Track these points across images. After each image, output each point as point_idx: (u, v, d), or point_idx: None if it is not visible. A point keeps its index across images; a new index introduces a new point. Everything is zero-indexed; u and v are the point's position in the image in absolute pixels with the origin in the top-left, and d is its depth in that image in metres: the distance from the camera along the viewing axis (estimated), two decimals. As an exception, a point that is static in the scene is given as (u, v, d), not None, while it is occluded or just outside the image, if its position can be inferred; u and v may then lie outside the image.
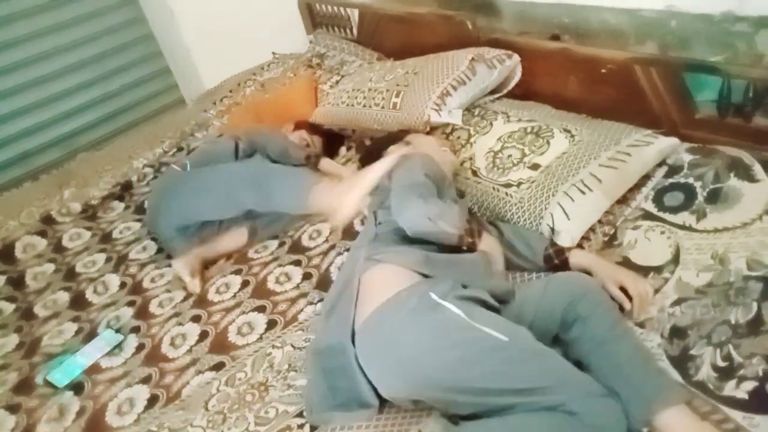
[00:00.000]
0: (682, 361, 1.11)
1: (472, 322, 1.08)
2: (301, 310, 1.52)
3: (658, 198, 1.46)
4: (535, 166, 1.55)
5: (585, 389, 1.02)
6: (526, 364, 1.04)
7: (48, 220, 2.10)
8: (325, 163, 2.02)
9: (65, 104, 2.80)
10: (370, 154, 1.67)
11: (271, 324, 1.50)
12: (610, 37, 1.92)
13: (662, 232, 1.36)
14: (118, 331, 1.58)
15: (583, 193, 1.42)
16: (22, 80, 2.63)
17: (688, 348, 1.12)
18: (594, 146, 1.52)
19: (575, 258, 1.35)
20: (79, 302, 1.75)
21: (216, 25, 2.88)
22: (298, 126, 2.17)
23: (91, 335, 1.59)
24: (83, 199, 2.20)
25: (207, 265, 1.79)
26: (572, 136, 1.58)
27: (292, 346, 1.41)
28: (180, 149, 2.45)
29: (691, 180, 1.45)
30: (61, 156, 2.75)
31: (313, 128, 2.18)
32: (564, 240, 1.39)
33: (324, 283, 1.58)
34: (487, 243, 1.35)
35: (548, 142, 1.59)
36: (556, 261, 1.36)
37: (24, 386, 1.48)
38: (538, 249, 1.39)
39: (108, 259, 1.92)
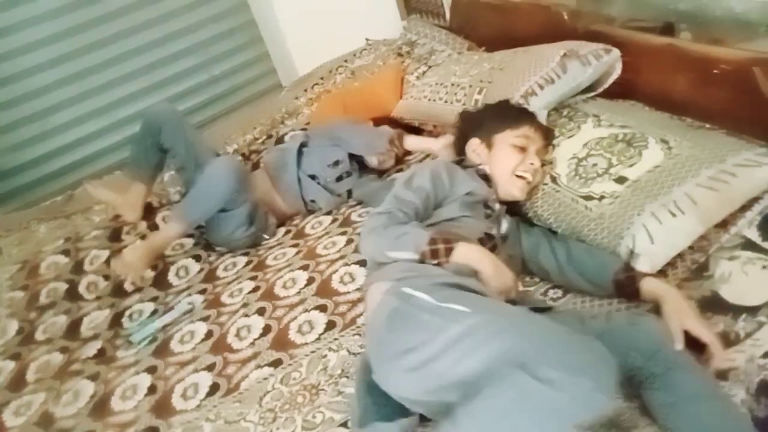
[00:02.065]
0: (768, 425, 0.97)
1: (440, 303, 1.06)
2: (360, 314, 1.50)
3: (765, 225, 1.27)
4: (621, 180, 1.40)
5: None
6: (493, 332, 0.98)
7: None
8: (410, 140, 2.01)
9: (170, 90, 2.97)
10: (466, 121, 1.65)
11: (330, 325, 1.50)
12: (734, 28, 1.69)
13: (764, 267, 1.19)
14: (190, 303, 1.72)
15: (674, 215, 1.26)
16: (131, 68, 2.83)
17: (777, 410, 0.97)
18: (694, 162, 1.34)
19: (648, 285, 1.21)
20: (160, 282, 1.88)
21: (313, 9, 2.91)
22: (377, 122, 2.13)
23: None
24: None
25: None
26: (669, 148, 1.41)
27: (348, 350, 1.40)
28: (270, 137, 2.52)
29: (807, 206, 1.24)
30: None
31: (392, 123, 2.14)
32: (643, 264, 1.24)
33: (386, 288, 1.55)
34: (466, 256, 1.24)
35: (640, 153, 1.43)
36: (628, 289, 1.23)
37: (105, 357, 1.61)
38: (609, 271, 1.27)
39: (195, 245, 2.03)
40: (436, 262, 1.24)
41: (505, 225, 1.46)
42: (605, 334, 1.03)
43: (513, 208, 1.55)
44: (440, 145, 1.90)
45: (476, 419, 0.92)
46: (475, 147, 1.55)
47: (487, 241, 1.36)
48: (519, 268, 1.45)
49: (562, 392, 0.85)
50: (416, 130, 2.17)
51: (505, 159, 1.49)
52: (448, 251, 1.24)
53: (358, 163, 2.07)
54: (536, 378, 0.86)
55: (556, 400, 0.85)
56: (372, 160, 2.04)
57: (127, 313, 1.78)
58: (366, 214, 1.87)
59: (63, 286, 1.91)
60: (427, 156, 2.02)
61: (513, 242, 1.48)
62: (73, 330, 1.74)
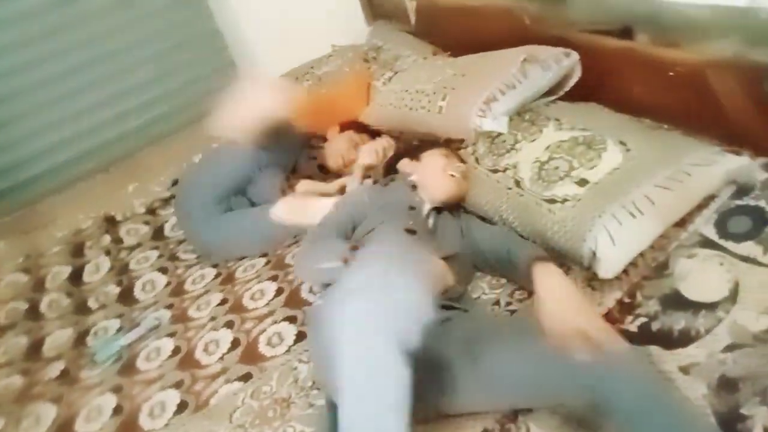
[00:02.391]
0: (730, 421, 0.98)
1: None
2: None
3: (721, 222, 1.30)
4: (582, 182, 1.42)
5: None
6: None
7: (110, 219, 2.21)
8: (303, 185, 1.97)
9: (133, 100, 2.91)
10: (388, 166, 1.76)
11: (300, 336, 1.49)
12: (688, 31, 1.73)
13: (721, 264, 1.21)
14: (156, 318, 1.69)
15: (634, 216, 1.29)
16: (90, 78, 2.74)
17: (738, 405, 0.99)
18: (651, 163, 1.37)
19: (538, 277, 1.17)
20: (126, 298, 1.84)
21: (278, 16, 2.89)
22: (344, 127, 2.13)
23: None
24: (145, 195, 2.30)
25: None
26: (628, 150, 1.43)
27: (318, 361, 1.40)
28: (236, 145, 2.49)
29: (762, 203, 1.28)
30: (129, 148, 2.88)
31: (360, 129, 2.13)
32: (605, 270, 1.27)
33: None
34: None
35: (600, 155, 1.46)
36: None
37: (69, 377, 1.57)
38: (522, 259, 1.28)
39: (160, 257, 1.99)
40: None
41: (431, 221, 1.52)
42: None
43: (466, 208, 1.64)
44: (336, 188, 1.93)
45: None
46: (406, 164, 1.70)
47: (412, 235, 1.40)
48: (466, 267, 1.47)
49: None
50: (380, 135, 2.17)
51: (437, 162, 1.64)
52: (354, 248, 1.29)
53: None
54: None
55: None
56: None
57: (92, 330, 1.74)
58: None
59: (23, 306, 1.86)
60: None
61: (453, 240, 1.49)
62: (34, 351, 1.70)
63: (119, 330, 1.70)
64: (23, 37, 2.56)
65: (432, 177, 1.61)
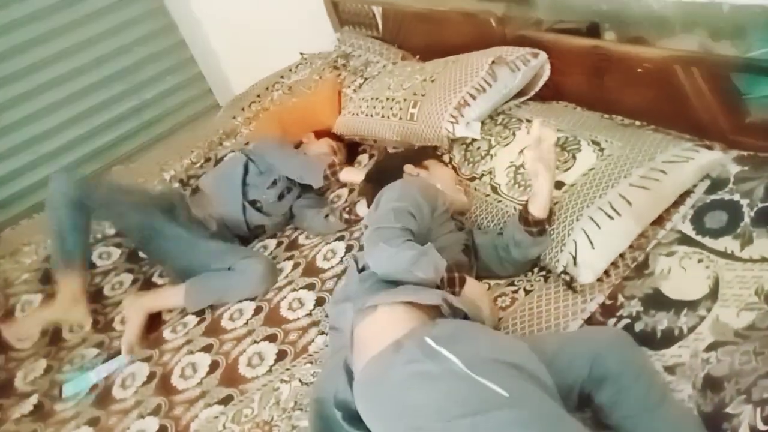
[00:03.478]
0: (716, 420, 0.98)
1: (471, 372, 0.97)
2: (312, 340, 1.46)
3: (697, 218, 1.30)
4: (558, 185, 1.41)
5: None
6: (531, 425, 0.93)
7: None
8: (346, 173, 1.94)
9: (101, 117, 2.84)
10: (381, 172, 1.59)
11: (281, 355, 1.45)
12: (653, 26, 1.74)
13: (700, 260, 1.21)
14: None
15: (611, 218, 1.28)
16: (56, 97, 2.66)
17: (723, 404, 0.98)
18: (625, 162, 1.37)
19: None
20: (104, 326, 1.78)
21: (244, 26, 2.85)
22: (319, 134, 2.10)
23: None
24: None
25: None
26: (601, 149, 1.43)
27: (300, 381, 1.36)
28: (208, 160, 2.44)
29: (737, 197, 1.28)
30: (99, 168, 2.81)
31: (335, 137, 2.11)
32: (585, 277, 1.26)
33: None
34: (472, 291, 1.24)
35: (574, 156, 1.45)
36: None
37: (42, 412, 1.52)
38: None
39: (134, 281, 1.94)
40: (450, 290, 1.22)
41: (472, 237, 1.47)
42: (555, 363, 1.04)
43: None
44: None
45: None
46: (411, 171, 1.55)
47: (468, 253, 1.38)
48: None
49: None
50: (355, 145, 2.15)
51: (448, 172, 1.59)
52: (462, 281, 1.24)
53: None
54: None
55: None
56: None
57: (66, 359, 1.68)
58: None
59: (-8, 338, 1.79)
60: None
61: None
62: (6, 386, 1.63)
63: (82, 368, 1.64)
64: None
65: (451, 190, 1.53)
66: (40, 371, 1.66)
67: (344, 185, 2.06)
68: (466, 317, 1.16)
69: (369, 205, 1.54)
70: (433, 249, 1.24)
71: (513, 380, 0.97)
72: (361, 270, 1.31)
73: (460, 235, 1.42)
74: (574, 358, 1.05)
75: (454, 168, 1.69)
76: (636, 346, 1.09)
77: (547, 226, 1.31)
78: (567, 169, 1.42)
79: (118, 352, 1.64)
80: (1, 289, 1.88)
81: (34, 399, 1.56)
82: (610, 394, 1.01)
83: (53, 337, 1.78)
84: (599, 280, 1.28)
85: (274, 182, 1.99)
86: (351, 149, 2.17)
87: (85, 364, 1.64)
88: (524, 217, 1.31)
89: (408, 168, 1.56)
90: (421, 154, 1.66)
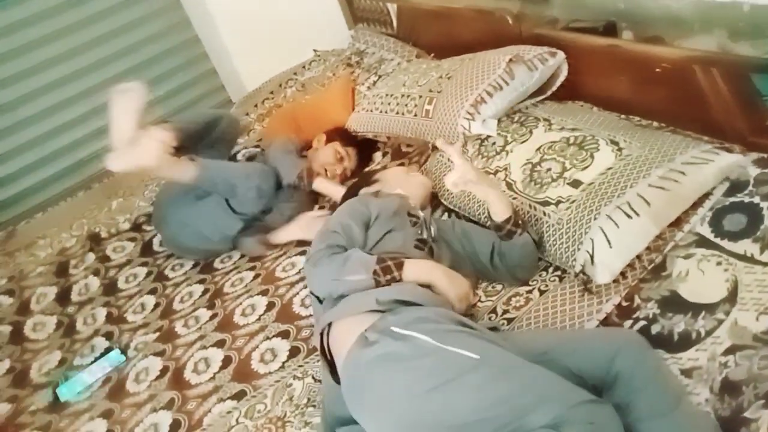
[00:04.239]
0: (734, 424, 0.97)
1: (441, 344, 1.02)
2: (325, 337, 1.46)
3: (716, 220, 1.29)
4: (576, 183, 1.40)
5: (574, 399, 0.93)
6: (500, 381, 0.97)
7: (95, 237, 2.16)
8: (319, 183, 1.92)
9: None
10: (344, 199, 1.67)
11: (293, 351, 1.45)
12: (671, 25, 1.72)
13: (718, 263, 1.20)
14: (123, 352, 1.62)
15: (630, 217, 1.27)
16: (70, 93, 2.69)
17: (741, 409, 0.98)
18: (644, 162, 1.35)
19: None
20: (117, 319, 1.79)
21: (257, 22, 2.85)
22: (330, 138, 2.09)
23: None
24: (129, 211, 2.25)
25: None
26: (620, 149, 1.42)
27: (313, 377, 1.36)
28: (221, 156, 2.45)
29: (756, 199, 1.27)
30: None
31: (347, 138, 2.10)
32: (602, 277, 1.25)
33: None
34: (417, 270, 1.26)
35: (592, 156, 1.44)
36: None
37: (55, 406, 1.53)
38: None
39: (148, 274, 1.95)
40: (389, 278, 1.25)
41: (433, 229, 1.47)
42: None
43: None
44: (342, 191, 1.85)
45: None
46: (366, 191, 1.64)
47: (423, 246, 1.39)
48: (469, 270, 1.44)
49: None
50: (371, 143, 2.14)
51: (396, 170, 1.74)
52: (399, 266, 1.26)
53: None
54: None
55: None
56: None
57: (79, 351, 1.69)
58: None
59: (7, 329, 1.80)
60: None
61: (451, 244, 1.48)
62: (22, 376, 1.64)
63: (109, 350, 1.65)
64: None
65: (408, 185, 1.61)
66: (55, 363, 1.67)
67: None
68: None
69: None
70: (357, 251, 1.30)
71: (479, 341, 1.05)
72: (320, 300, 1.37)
73: (411, 231, 1.42)
74: (587, 358, 1.05)
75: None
76: (649, 348, 1.08)
77: (519, 221, 1.34)
78: (585, 168, 1.41)
79: (110, 349, 1.65)
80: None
81: (48, 390, 1.57)
82: (622, 396, 1.00)
83: (67, 329, 1.79)
84: (615, 281, 1.27)
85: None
86: (368, 147, 2.15)
87: (66, 372, 1.63)
88: (496, 226, 1.34)
89: (363, 191, 1.64)
90: (367, 175, 1.75)
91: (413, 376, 1.01)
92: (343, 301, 1.23)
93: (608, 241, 1.26)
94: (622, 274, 1.28)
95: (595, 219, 1.30)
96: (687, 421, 0.97)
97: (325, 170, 1.98)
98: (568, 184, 1.42)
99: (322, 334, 1.22)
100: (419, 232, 1.43)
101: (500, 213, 1.32)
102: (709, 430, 0.97)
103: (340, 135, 2.10)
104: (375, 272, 1.25)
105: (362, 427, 1.09)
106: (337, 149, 2.02)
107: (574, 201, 1.37)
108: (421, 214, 1.49)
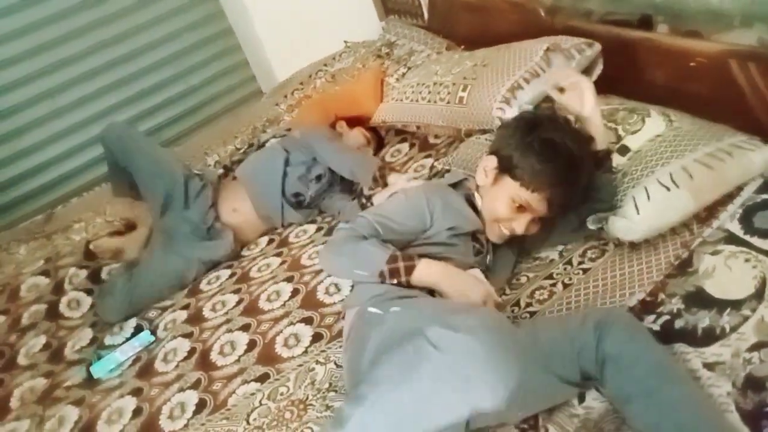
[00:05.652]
0: (755, 419, 0.95)
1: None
2: (347, 324, 1.49)
3: (746, 217, 1.26)
4: (623, 150, 1.41)
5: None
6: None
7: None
8: (394, 178, 1.86)
9: (149, 101, 2.93)
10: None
11: (316, 337, 1.48)
12: (709, 19, 1.68)
13: (747, 260, 1.18)
14: (152, 332, 1.68)
15: (668, 189, 1.27)
16: (107, 81, 2.79)
17: (764, 404, 0.96)
18: (693, 137, 1.35)
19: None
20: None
21: (289, 14, 2.89)
22: (350, 123, 2.10)
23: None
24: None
25: None
26: (671, 120, 1.42)
27: (335, 363, 1.38)
28: (251, 145, 2.49)
29: (789, 197, 1.24)
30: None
31: (361, 123, 2.12)
32: (625, 232, 1.27)
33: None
34: (427, 275, 1.24)
35: (643, 120, 1.45)
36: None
37: (89, 383, 1.59)
38: None
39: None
40: (395, 281, 1.23)
41: (489, 257, 1.40)
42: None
43: None
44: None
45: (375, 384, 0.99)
46: (487, 166, 1.37)
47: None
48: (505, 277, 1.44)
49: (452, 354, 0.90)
50: (399, 132, 2.16)
51: (498, 205, 1.33)
52: (409, 270, 1.22)
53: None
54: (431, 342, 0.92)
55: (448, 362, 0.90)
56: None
57: (110, 330, 1.75)
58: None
59: (44, 308, 1.87)
60: None
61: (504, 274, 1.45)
62: (57, 353, 1.71)
63: (139, 329, 1.71)
64: (39, 44, 2.61)
65: (486, 215, 1.38)
66: (87, 341, 1.73)
67: None
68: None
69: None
70: (377, 244, 1.25)
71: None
72: None
73: (469, 259, 1.36)
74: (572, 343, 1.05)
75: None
76: (639, 326, 1.08)
77: None
78: (635, 132, 1.42)
79: (140, 329, 1.71)
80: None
81: (81, 367, 1.63)
82: (610, 376, 1.01)
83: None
84: (640, 275, 1.26)
85: (319, 177, 1.99)
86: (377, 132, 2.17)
87: (98, 351, 1.69)
88: None
89: (487, 160, 1.38)
90: (522, 173, 1.32)
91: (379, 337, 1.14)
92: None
93: (648, 196, 1.28)
94: (648, 268, 1.27)
95: (633, 188, 1.32)
96: (678, 397, 0.97)
97: None
98: (615, 151, 1.41)
99: None
100: (479, 262, 1.36)
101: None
102: (704, 410, 0.97)
103: (359, 123, 2.12)
104: (381, 274, 1.22)
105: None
106: (364, 133, 2.05)
107: (620, 171, 1.37)
108: (485, 243, 1.39)
